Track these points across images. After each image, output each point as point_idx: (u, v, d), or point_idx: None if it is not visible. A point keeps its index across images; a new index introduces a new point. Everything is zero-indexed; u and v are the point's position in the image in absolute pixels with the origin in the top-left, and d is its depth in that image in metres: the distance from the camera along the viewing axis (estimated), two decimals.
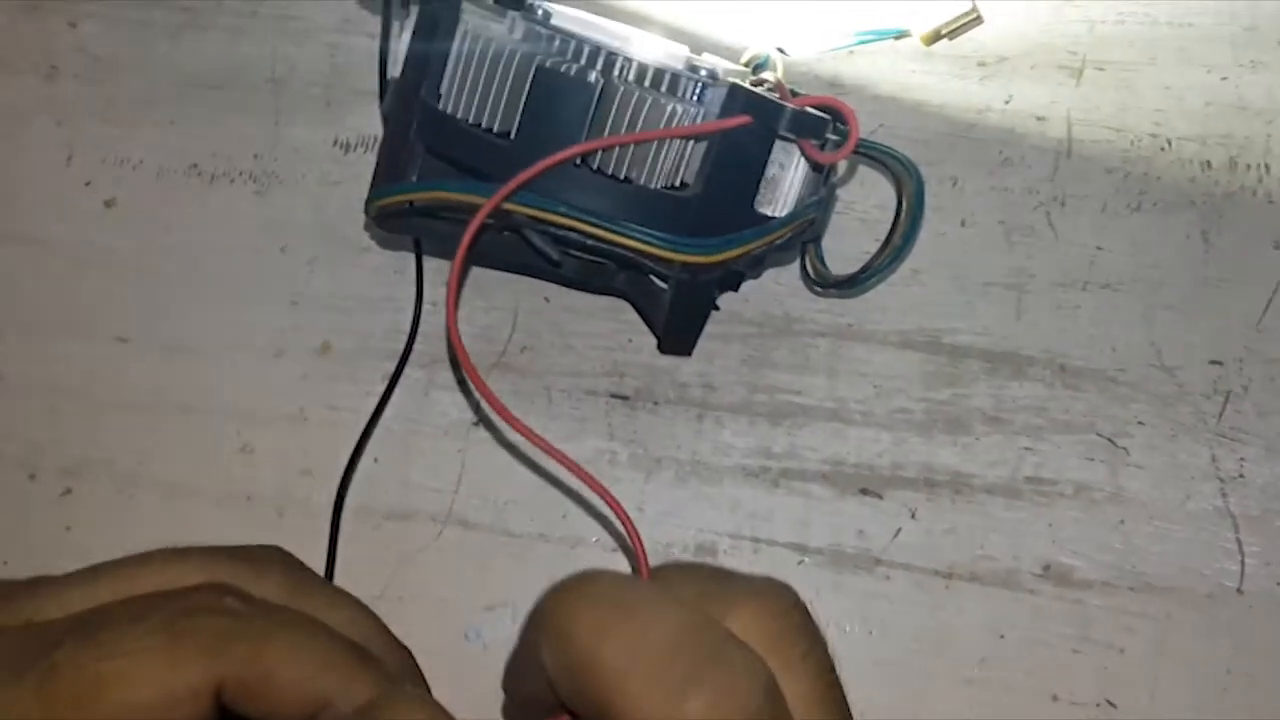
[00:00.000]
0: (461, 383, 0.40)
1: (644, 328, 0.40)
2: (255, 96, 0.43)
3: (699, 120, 0.31)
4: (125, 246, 0.42)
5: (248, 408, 0.40)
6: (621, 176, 0.32)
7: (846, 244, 0.40)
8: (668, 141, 0.32)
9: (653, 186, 0.32)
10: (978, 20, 0.39)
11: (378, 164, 0.35)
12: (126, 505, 0.40)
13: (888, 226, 0.37)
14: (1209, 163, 0.42)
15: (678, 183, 0.32)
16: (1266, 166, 0.42)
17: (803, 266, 0.37)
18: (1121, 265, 0.41)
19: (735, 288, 0.40)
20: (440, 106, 0.33)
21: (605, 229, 0.30)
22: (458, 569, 0.38)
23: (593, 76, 0.31)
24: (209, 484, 0.40)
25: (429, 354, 0.40)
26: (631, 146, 0.31)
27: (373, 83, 0.43)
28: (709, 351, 0.40)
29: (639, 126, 0.31)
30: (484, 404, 0.40)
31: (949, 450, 0.39)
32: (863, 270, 0.37)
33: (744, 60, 0.39)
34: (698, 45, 0.43)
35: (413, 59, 0.33)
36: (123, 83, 0.43)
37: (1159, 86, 0.43)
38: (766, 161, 0.33)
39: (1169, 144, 0.42)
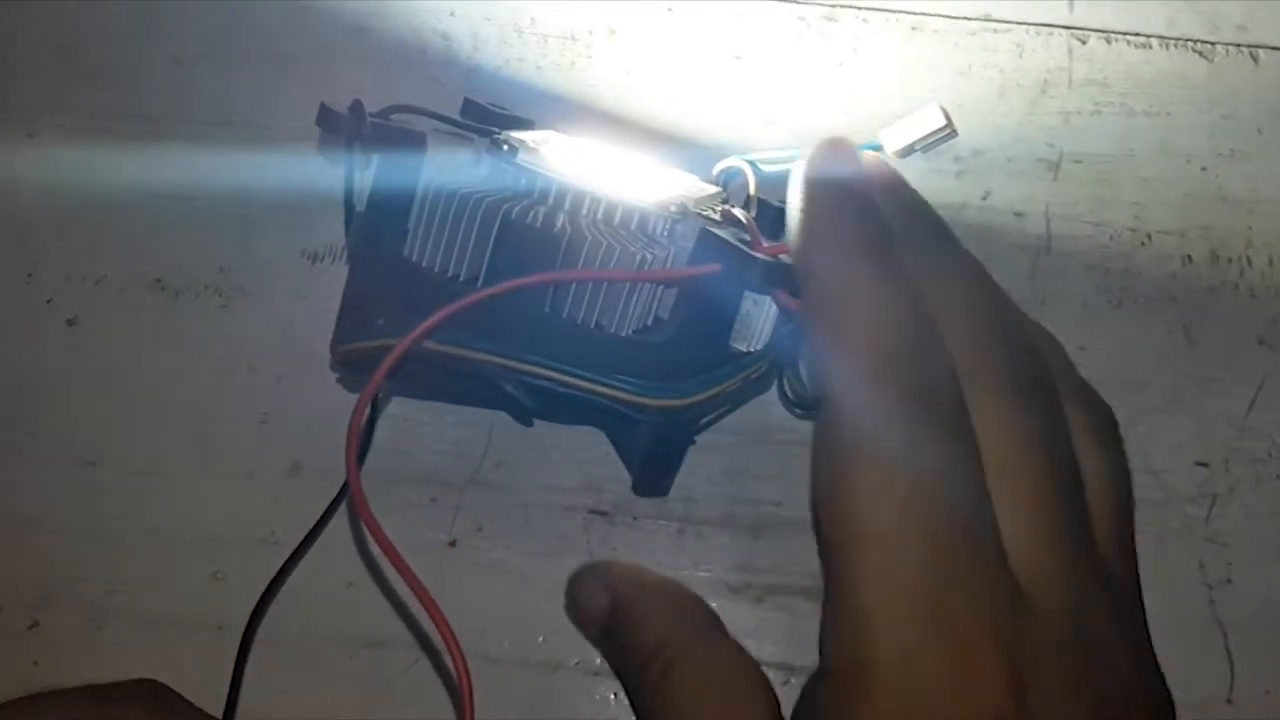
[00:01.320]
0: (433, 501, 0.39)
1: None
2: (221, 208, 0.42)
3: (670, 261, 0.31)
4: (89, 367, 0.41)
5: (218, 532, 0.39)
6: (592, 324, 0.31)
7: None
8: (638, 284, 0.31)
9: (624, 333, 0.31)
10: (952, 134, 0.39)
11: (341, 309, 0.34)
12: (96, 637, 0.39)
13: None
14: (1190, 256, 0.41)
15: (649, 322, 0.32)
16: (1248, 259, 0.41)
17: (780, 390, 0.36)
18: (1104, 365, 0.40)
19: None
20: (405, 253, 0.32)
21: (577, 377, 0.30)
22: (435, 697, 0.38)
23: (559, 224, 0.30)
24: (180, 612, 0.39)
25: (400, 471, 0.40)
26: (601, 294, 0.31)
27: (340, 194, 0.42)
28: (689, 463, 0.39)
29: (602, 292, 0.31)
30: (458, 523, 0.39)
31: None
32: None
33: (716, 171, 0.38)
34: (674, 143, 0.42)
35: (374, 206, 0.33)
36: (84, 196, 0.43)
37: (1137, 179, 0.42)
38: (739, 302, 0.32)
39: (1149, 238, 0.42)
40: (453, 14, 0.44)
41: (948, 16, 0.44)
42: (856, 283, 0.25)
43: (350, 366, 0.34)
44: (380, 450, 0.40)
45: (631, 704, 0.28)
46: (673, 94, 0.43)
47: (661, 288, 0.31)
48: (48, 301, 0.42)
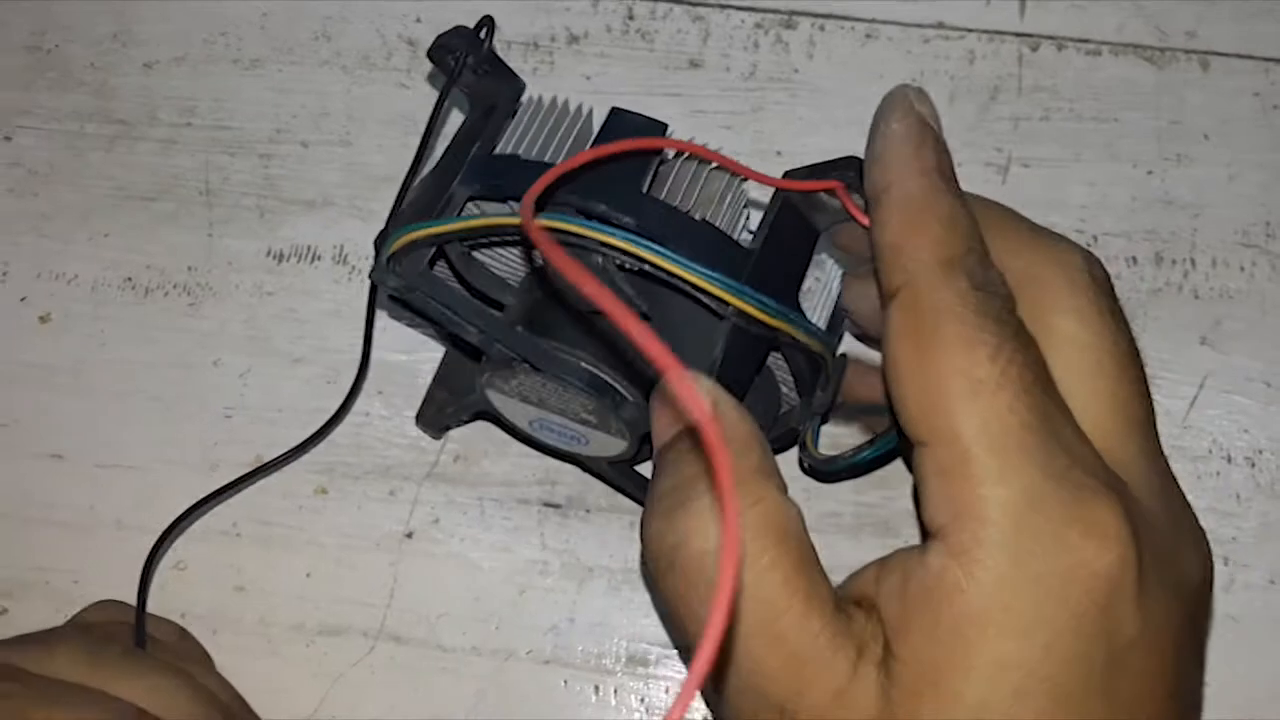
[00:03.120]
0: (392, 494, 0.40)
1: None
2: (189, 208, 0.43)
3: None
4: (60, 362, 0.42)
5: (181, 523, 0.40)
6: (685, 210, 0.31)
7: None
8: (733, 192, 0.32)
9: (718, 224, 0.31)
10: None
11: (389, 223, 0.33)
12: None
13: None
14: (1135, 258, 0.42)
15: (737, 235, 0.32)
16: (1192, 261, 0.42)
17: (801, 444, 0.36)
18: None
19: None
20: (500, 148, 0.33)
21: (667, 259, 0.29)
22: (390, 685, 0.39)
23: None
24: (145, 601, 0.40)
25: (361, 466, 0.41)
26: (700, 185, 0.31)
27: (305, 193, 0.43)
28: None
29: (700, 184, 0.32)
30: (415, 516, 0.40)
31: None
32: (838, 457, 0.35)
33: None
34: None
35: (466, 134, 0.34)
36: (57, 196, 0.44)
37: (1084, 182, 0.43)
38: (811, 256, 0.33)
39: (1095, 240, 0.42)
40: (418, 20, 0.46)
41: (901, 24, 0.45)
42: (935, 193, 0.27)
43: (401, 275, 0.33)
44: (341, 445, 0.41)
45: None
46: (633, 99, 0.44)
47: (745, 213, 0.32)
48: (21, 299, 0.43)
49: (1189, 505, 0.29)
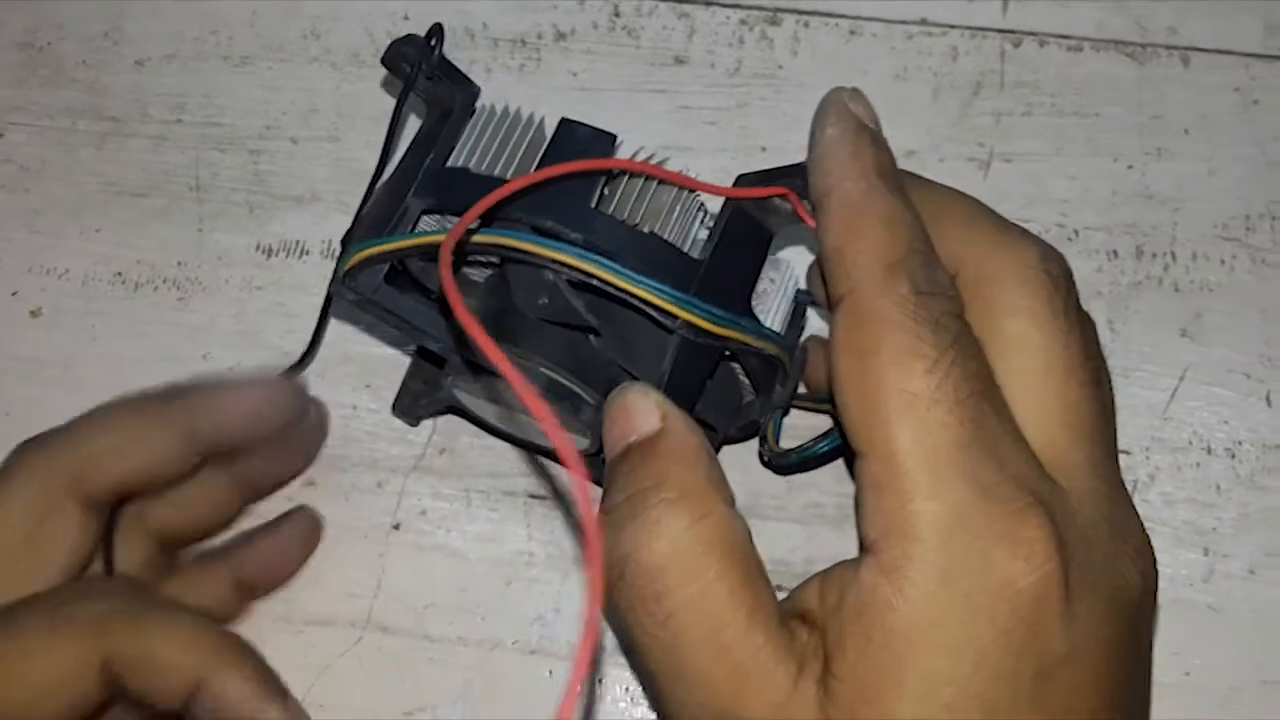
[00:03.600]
0: (379, 485, 0.41)
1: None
2: (179, 203, 0.44)
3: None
4: (51, 356, 0.42)
5: None
6: (634, 224, 0.31)
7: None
8: (682, 203, 0.32)
9: (666, 237, 0.32)
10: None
11: (351, 229, 0.34)
12: None
13: None
14: (1115, 252, 0.43)
15: (685, 246, 0.32)
16: (1173, 255, 0.43)
17: (761, 438, 0.37)
18: None
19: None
20: (451, 161, 0.33)
21: (616, 274, 0.29)
22: (377, 675, 0.39)
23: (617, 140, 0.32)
24: None
25: (348, 458, 0.41)
26: (648, 198, 0.32)
27: (294, 189, 0.44)
28: None
29: (648, 197, 0.32)
30: (402, 507, 0.40)
31: None
32: (796, 449, 0.35)
33: None
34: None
35: (420, 143, 0.34)
36: (49, 191, 0.44)
37: (1066, 177, 0.43)
38: (764, 259, 0.33)
39: (1076, 234, 0.43)
40: (406, 17, 0.46)
41: (885, 21, 0.45)
42: (873, 194, 0.27)
43: (357, 288, 0.33)
44: (329, 438, 0.41)
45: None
46: (619, 96, 0.45)
47: (697, 221, 0.33)
48: (12, 294, 0.43)
49: (1135, 514, 0.29)
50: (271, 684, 0.30)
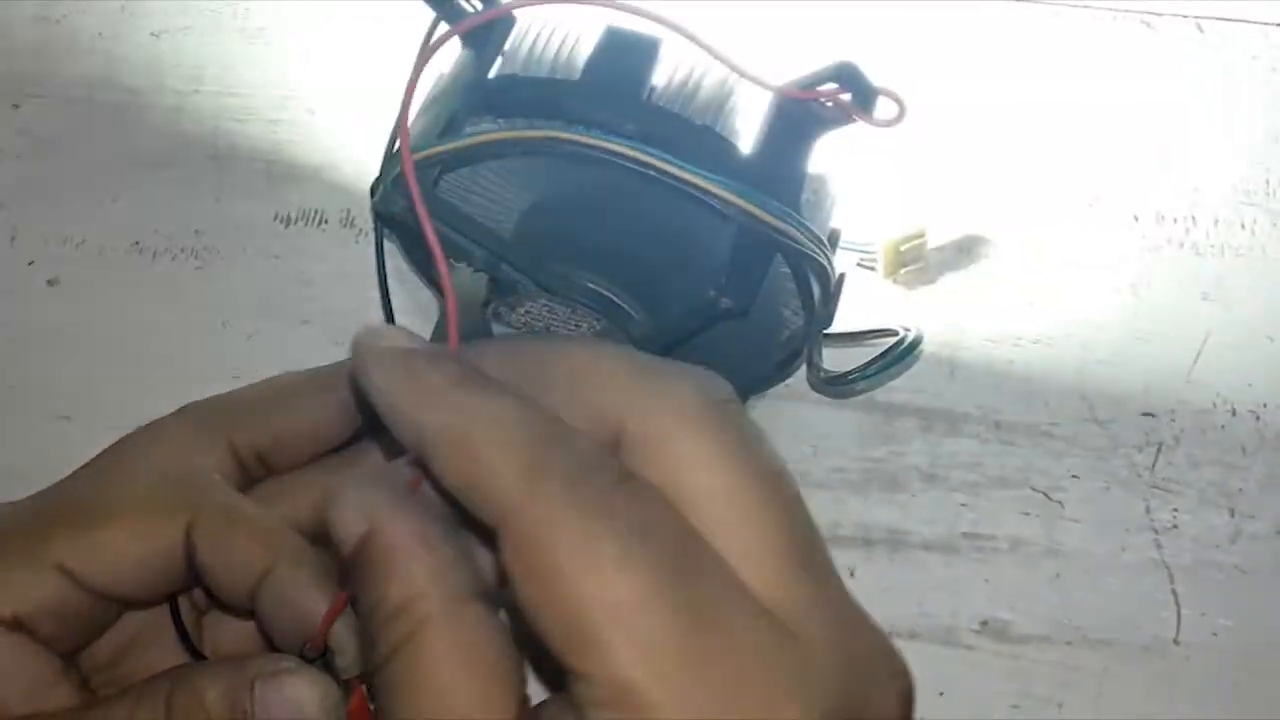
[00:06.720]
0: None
1: None
2: (197, 173, 0.44)
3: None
4: (68, 325, 0.42)
5: None
6: (685, 116, 0.31)
7: None
8: (729, 101, 0.32)
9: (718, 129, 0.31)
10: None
11: (391, 144, 0.34)
12: None
13: None
14: (1136, 217, 0.43)
15: (737, 140, 0.32)
16: (1193, 219, 0.43)
17: (809, 363, 0.37)
18: (1053, 321, 0.41)
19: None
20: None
21: (677, 166, 0.29)
22: None
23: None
24: None
25: None
26: (697, 93, 0.31)
27: (311, 158, 0.44)
28: None
29: (698, 94, 0.32)
30: None
31: (886, 508, 0.40)
32: (852, 372, 0.36)
33: None
34: None
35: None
36: (65, 162, 0.44)
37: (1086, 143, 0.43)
38: (807, 167, 0.33)
39: (1098, 199, 0.43)
40: None
41: None
42: (463, 408, 0.24)
43: (401, 199, 0.32)
44: None
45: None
46: None
47: (743, 115, 0.33)
48: (29, 263, 0.43)
49: (878, 632, 0.26)
50: (330, 585, 0.30)
